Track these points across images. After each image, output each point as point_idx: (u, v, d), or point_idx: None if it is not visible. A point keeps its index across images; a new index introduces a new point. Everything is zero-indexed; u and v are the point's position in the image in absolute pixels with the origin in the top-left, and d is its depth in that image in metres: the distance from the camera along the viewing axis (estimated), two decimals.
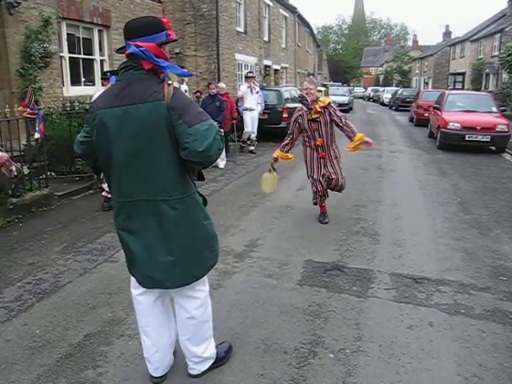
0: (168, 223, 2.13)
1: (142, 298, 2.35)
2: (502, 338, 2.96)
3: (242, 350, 2.82)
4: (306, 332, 3.03)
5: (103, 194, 5.94)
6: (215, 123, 2.10)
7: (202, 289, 2.38)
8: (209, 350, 2.50)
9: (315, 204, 5.49)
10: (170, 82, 2.08)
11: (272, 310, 3.31)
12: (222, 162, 8.93)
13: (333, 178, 5.22)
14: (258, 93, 10.81)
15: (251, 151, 10.81)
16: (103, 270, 4.05)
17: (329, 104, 5.08)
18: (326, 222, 5.33)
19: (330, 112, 5.07)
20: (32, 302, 3.44)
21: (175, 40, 2.18)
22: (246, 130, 10.86)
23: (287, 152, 5.32)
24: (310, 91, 5.07)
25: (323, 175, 5.24)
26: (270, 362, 2.70)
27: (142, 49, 1.98)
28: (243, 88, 10.94)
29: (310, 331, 3.04)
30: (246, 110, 10.67)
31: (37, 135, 5.89)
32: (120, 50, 2.15)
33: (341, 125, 5.04)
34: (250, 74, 11.35)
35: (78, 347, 2.86)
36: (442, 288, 3.68)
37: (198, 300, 2.36)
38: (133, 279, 2.35)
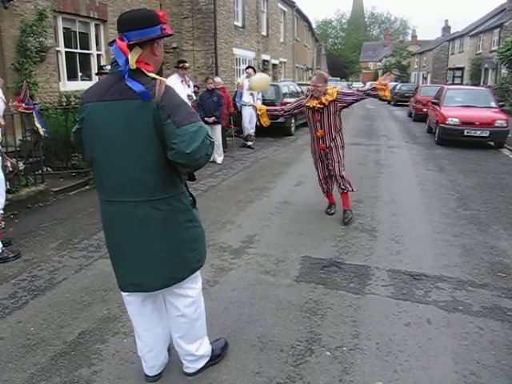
0: (149, 225, 2.08)
1: (131, 299, 2.31)
2: (500, 336, 2.94)
3: (238, 348, 2.79)
4: (303, 329, 3.00)
5: None
6: (206, 126, 2.04)
7: (193, 287, 2.33)
8: (202, 347, 2.46)
9: (327, 213, 5.47)
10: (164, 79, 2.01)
11: (268, 307, 3.28)
12: (219, 158, 8.90)
13: (331, 169, 5.23)
14: None
15: (249, 146, 10.77)
16: (99, 266, 4.02)
17: (336, 97, 4.95)
18: (333, 213, 5.33)
19: (336, 103, 4.98)
20: (26, 300, 3.41)
21: (170, 35, 2.11)
22: (244, 125, 10.81)
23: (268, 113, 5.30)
24: (317, 89, 4.92)
25: (327, 166, 5.29)
26: (266, 360, 2.68)
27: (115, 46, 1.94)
28: (242, 78, 11.09)
29: (307, 328, 3.01)
30: (244, 105, 10.63)
31: (42, 131, 5.83)
32: (112, 44, 2.09)
33: (357, 99, 5.04)
34: (249, 66, 11.40)
35: (72, 345, 2.83)
36: (440, 285, 3.65)
37: (189, 298, 2.31)
38: None
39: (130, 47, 1.94)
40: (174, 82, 7.70)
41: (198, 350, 2.43)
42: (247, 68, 11.03)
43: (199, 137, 1.92)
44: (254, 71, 11.12)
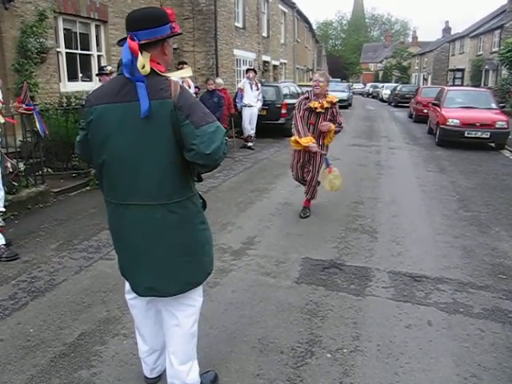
0: (166, 228, 2.00)
1: (135, 302, 2.28)
2: (501, 338, 2.93)
3: (238, 350, 2.78)
4: (303, 331, 2.99)
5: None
6: (222, 125, 1.99)
7: (197, 298, 2.23)
8: (192, 372, 2.25)
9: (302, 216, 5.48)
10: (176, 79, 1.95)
11: (269, 309, 3.27)
12: None
13: (307, 173, 5.36)
14: (258, 89, 10.76)
15: (249, 147, 10.76)
16: (99, 267, 4.01)
17: (335, 103, 5.13)
18: (307, 217, 5.41)
19: (333, 111, 5.13)
20: (26, 301, 3.40)
21: (180, 33, 2.05)
22: (244, 126, 10.82)
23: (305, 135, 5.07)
24: (319, 83, 5.03)
25: (304, 170, 5.38)
26: (267, 362, 2.67)
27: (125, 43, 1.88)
28: (243, 81, 11.07)
29: (308, 330, 3.00)
30: (244, 106, 10.63)
31: (41, 133, 5.83)
32: (121, 43, 1.99)
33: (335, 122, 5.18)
34: (250, 67, 11.40)
35: (72, 347, 2.83)
36: (441, 286, 3.64)
37: (190, 309, 2.20)
38: (127, 284, 2.24)
39: (140, 47, 1.86)
40: None
41: (188, 373, 2.24)
42: (247, 71, 11.01)
43: (218, 137, 1.89)
44: (255, 73, 11.14)
